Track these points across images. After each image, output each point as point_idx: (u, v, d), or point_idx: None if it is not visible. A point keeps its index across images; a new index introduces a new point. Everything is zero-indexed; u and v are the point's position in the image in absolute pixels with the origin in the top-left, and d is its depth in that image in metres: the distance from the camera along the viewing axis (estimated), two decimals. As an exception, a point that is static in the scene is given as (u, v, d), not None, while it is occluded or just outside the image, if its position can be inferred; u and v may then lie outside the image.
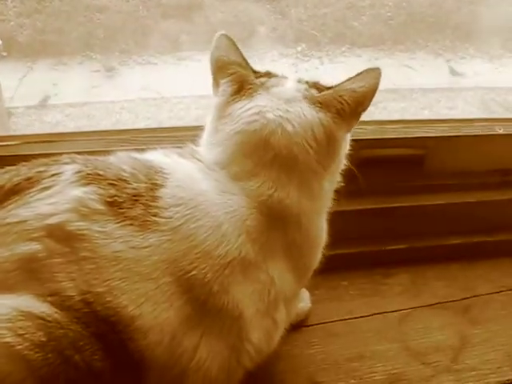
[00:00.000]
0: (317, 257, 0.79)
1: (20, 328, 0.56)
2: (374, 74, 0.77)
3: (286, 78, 0.81)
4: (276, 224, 0.72)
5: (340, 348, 0.95)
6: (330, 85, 0.79)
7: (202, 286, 0.65)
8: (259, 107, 0.75)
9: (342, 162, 0.81)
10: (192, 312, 0.65)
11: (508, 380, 0.92)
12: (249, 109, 0.75)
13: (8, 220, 0.63)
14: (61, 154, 0.72)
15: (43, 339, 0.57)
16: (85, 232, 0.62)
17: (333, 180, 0.81)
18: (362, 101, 0.76)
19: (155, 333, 0.62)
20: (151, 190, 0.67)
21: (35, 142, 1.00)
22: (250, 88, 0.78)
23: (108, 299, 0.60)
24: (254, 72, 0.81)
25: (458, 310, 1.04)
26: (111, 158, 0.71)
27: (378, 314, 1.02)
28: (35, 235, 0.62)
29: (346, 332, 0.98)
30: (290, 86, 0.78)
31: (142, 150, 0.76)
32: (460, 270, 1.13)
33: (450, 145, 1.13)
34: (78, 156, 0.71)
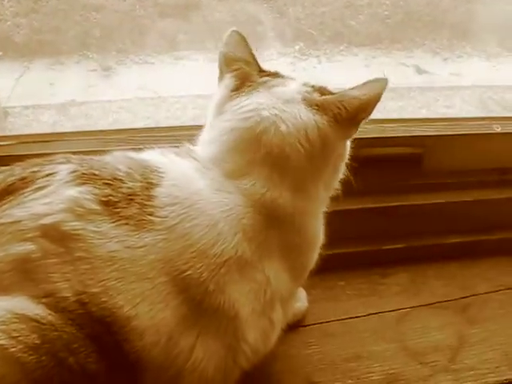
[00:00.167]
0: (313, 257, 0.79)
1: (14, 330, 0.56)
2: (380, 83, 0.75)
3: (292, 79, 0.81)
4: (272, 223, 0.71)
5: (337, 348, 0.95)
6: (336, 91, 0.78)
7: (197, 286, 0.65)
8: (256, 104, 0.75)
9: (341, 171, 0.81)
10: (188, 312, 0.65)
11: (506, 379, 0.92)
12: (245, 105, 0.75)
13: (2, 220, 0.62)
14: (56, 154, 0.71)
15: (37, 342, 0.56)
16: (80, 232, 0.62)
17: (329, 186, 0.80)
18: (363, 108, 0.75)
19: (151, 333, 0.62)
20: (147, 189, 0.67)
21: (30, 142, 1.00)
22: (250, 85, 0.77)
23: (103, 300, 0.60)
24: (261, 71, 0.81)
25: (457, 310, 1.04)
26: (107, 158, 0.71)
27: (375, 313, 1.02)
28: (30, 235, 0.61)
29: (344, 332, 0.98)
30: (291, 87, 0.77)
31: (139, 149, 0.76)
32: (458, 269, 1.13)
33: (447, 143, 1.13)
34: (73, 156, 0.70)
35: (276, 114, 0.73)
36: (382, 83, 0.75)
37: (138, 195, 0.66)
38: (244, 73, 0.79)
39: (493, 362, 0.94)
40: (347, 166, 0.82)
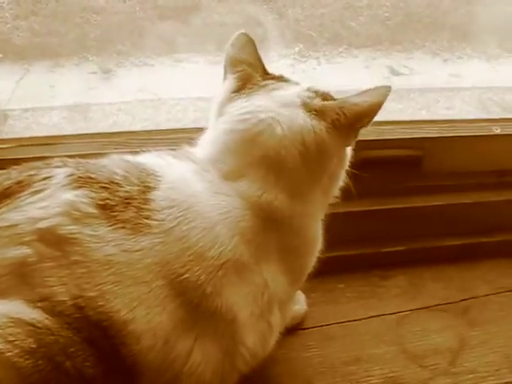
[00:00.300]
0: (311, 260, 0.78)
1: (10, 335, 0.56)
2: (382, 91, 0.74)
3: (297, 83, 0.80)
4: (270, 225, 0.71)
5: (337, 351, 0.95)
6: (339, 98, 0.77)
7: (195, 289, 0.65)
8: (254, 107, 0.75)
9: (341, 178, 0.80)
10: (185, 315, 0.65)
11: (506, 382, 0.91)
12: (244, 107, 0.75)
13: (-1, 224, 0.62)
14: (54, 157, 0.71)
15: (33, 346, 0.56)
16: (76, 236, 0.62)
17: (328, 193, 0.80)
18: (363, 115, 0.74)
19: (148, 337, 0.62)
20: (143, 192, 0.67)
21: (30, 145, 1.00)
22: (251, 88, 0.77)
23: (100, 303, 0.60)
24: (266, 74, 0.80)
25: (456, 312, 1.04)
26: (104, 161, 0.71)
27: (375, 316, 1.02)
28: (26, 239, 0.61)
29: (343, 335, 0.98)
30: (291, 91, 0.77)
31: (138, 152, 0.76)
32: (458, 272, 1.13)
33: (447, 145, 1.13)
34: (70, 159, 0.70)
35: (272, 117, 0.73)
36: (383, 91, 0.74)
37: (135, 199, 0.66)
38: (246, 74, 0.79)
39: (493, 365, 0.94)
40: (347, 172, 0.81)
